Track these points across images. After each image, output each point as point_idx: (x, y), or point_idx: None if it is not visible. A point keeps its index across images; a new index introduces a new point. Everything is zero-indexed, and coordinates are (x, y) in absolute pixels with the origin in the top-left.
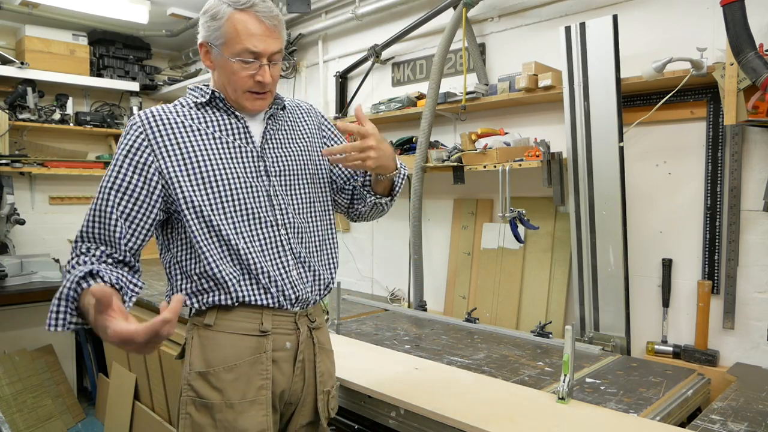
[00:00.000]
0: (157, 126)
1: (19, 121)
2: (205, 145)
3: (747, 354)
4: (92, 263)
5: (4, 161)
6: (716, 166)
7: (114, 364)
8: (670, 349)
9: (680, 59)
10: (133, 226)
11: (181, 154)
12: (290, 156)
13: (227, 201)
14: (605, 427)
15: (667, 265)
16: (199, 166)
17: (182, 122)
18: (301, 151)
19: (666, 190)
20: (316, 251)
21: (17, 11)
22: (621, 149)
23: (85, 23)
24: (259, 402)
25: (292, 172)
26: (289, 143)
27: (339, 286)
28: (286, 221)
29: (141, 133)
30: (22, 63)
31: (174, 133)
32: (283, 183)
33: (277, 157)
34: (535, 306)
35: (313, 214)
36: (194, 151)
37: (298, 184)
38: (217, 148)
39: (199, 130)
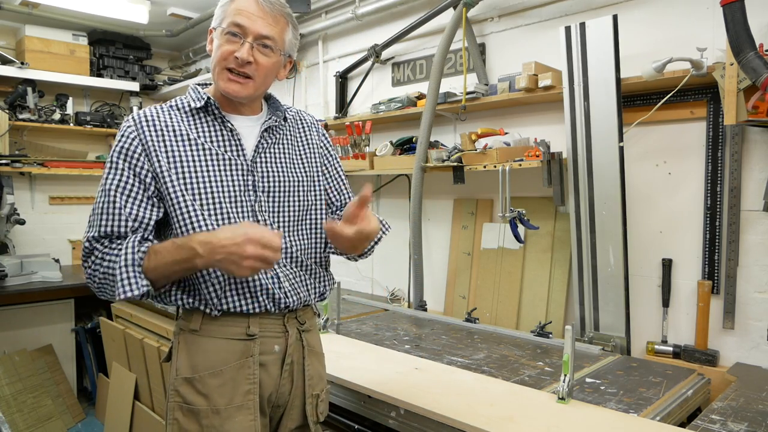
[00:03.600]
0: (149, 129)
1: (19, 121)
2: (193, 154)
3: (747, 354)
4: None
5: (4, 161)
6: (716, 166)
7: (114, 364)
8: (670, 349)
9: (680, 59)
10: (141, 225)
11: (171, 161)
12: (283, 171)
13: (213, 213)
14: (605, 427)
15: (667, 265)
16: (186, 177)
17: (173, 128)
18: (296, 166)
19: (666, 190)
20: (307, 268)
21: (17, 11)
22: (621, 149)
23: (85, 23)
24: (247, 407)
25: (282, 189)
26: (284, 158)
27: (339, 286)
28: None
29: (135, 136)
30: (22, 63)
31: (164, 139)
32: (271, 199)
33: (267, 172)
34: (535, 306)
35: (303, 231)
36: (182, 160)
37: (289, 201)
38: (206, 159)
39: (189, 138)
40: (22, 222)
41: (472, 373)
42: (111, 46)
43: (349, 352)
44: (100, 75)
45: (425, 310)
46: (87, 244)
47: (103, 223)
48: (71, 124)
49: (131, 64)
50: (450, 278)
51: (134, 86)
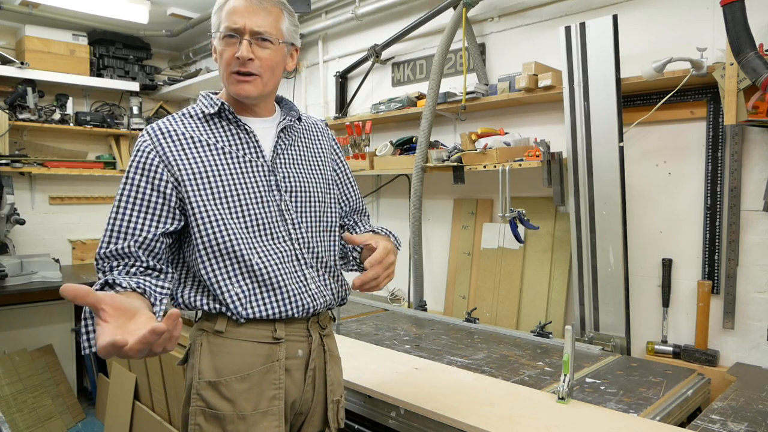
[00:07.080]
0: (166, 141)
1: (19, 121)
2: (215, 159)
3: (747, 354)
4: (112, 276)
5: (4, 161)
6: (716, 166)
7: (114, 364)
8: (670, 349)
9: (680, 59)
10: (154, 239)
11: (192, 169)
12: (302, 174)
13: (240, 216)
14: (605, 427)
15: (667, 265)
16: (210, 182)
17: (190, 136)
18: (313, 170)
19: (666, 190)
20: (328, 268)
21: (17, 11)
22: (621, 149)
23: (85, 23)
24: (272, 413)
25: (303, 190)
26: (301, 159)
27: None
28: (299, 236)
29: (151, 149)
30: (22, 63)
31: (183, 148)
32: (294, 199)
33: (288, 172)
34: (535, 306)
35: (322, 232)
36: (204, 167)
37: (310, 201)
38: (228, 163)
39: (208, 144)
40: (22, 222)
41: (472, 373)
42: (111, 46)
43: (349, 352)
44: (100, 75)
45: (425, 310)
46: (95, 262)
47: (113, 239)
48: (71, 124)
49: (131, 64)
50: (450, 278)
51: (134, 86)
